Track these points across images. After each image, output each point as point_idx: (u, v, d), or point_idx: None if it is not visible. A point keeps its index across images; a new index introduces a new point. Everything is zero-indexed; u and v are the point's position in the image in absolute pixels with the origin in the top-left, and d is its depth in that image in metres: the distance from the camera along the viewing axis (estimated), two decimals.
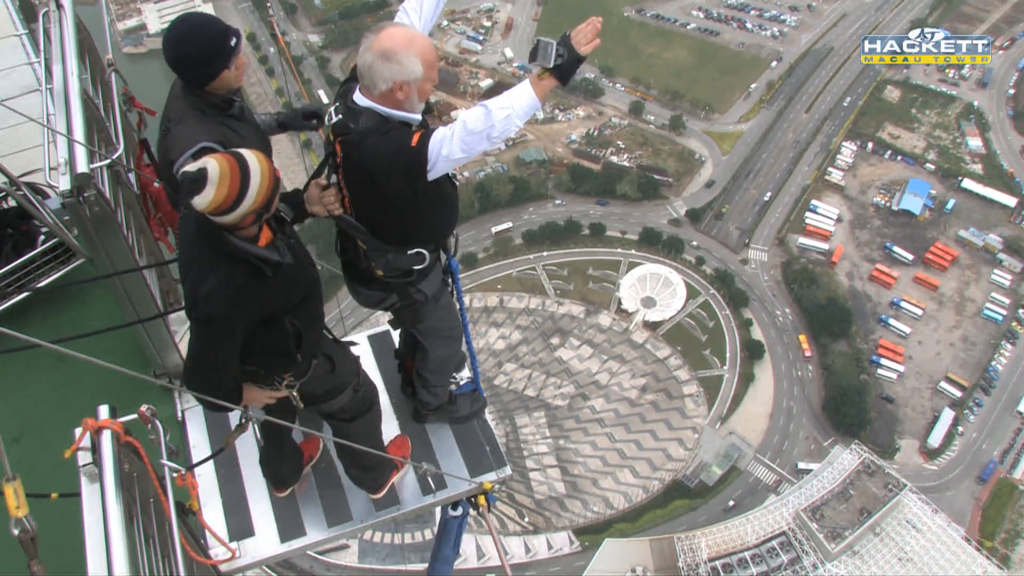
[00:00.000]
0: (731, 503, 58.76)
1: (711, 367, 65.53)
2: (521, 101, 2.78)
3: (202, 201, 2.49)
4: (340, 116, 3.12)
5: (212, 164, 2.50)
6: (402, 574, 52.43)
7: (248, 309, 2.80)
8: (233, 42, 3.21)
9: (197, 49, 3.15)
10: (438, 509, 4.39)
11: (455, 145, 2.87)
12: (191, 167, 2.52)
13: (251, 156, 2.61)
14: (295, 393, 3.33)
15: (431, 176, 3.00)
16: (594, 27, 2.69)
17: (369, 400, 3.74)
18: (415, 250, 3.38)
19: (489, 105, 2.77)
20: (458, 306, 3.92)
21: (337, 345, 3.54)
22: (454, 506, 4.32)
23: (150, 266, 4.33)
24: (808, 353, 65.03)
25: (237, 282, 2.71)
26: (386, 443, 4.32)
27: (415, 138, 2.92)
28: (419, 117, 3.12)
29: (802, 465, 59.46)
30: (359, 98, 3.06)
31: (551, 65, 2.70)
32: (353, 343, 3.76)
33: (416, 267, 3.42)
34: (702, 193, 76.16)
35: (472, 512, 4.40)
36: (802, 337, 65.57)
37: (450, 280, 3.74)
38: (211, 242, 2.68)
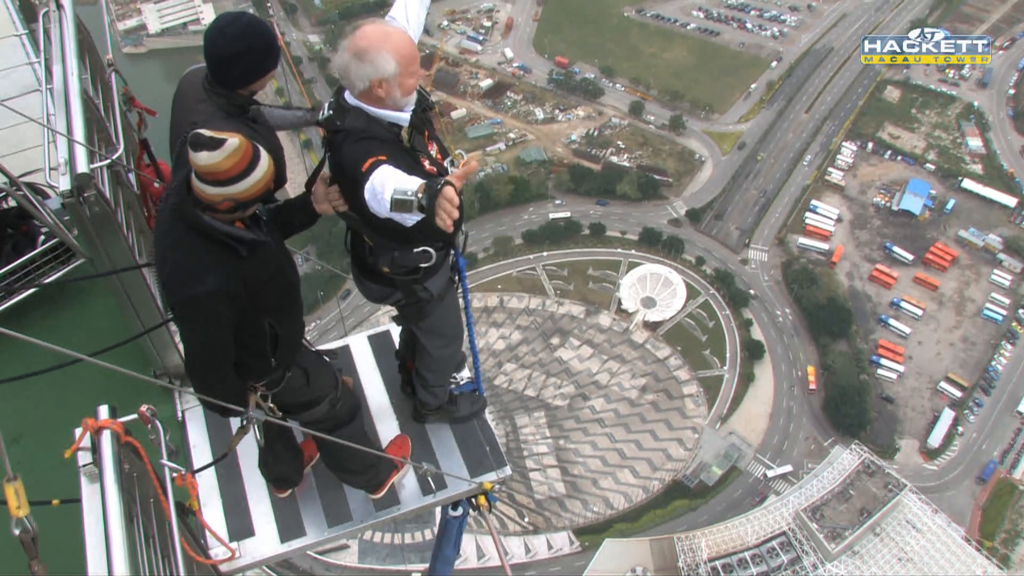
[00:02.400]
0: (771, 474, 59.26)
1: (711, 367, 65.53)
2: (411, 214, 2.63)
3: (208, 159, 2.54)
4: (331, 112, 3.12)
5: (234, 139, 2.58)
6: (402, 574, 52.44)
7: (229, 287, 2.76)
8: (279, 42, 3.26)
9: (254, 45, 3.13)
10: (438, 509, 4.38)
11: (373, 202, 2.76)
12: (208, 132, 2.56)
13: (264, 154, 2.69)
14: (270, 404, 3.30)
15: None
16: (451, 210, 2.45)
17: (350, 413, 3.72)
18: (421, 248, 3.34)
19: (386, 193, 2.63)
20: (463, 304, 3.90)
21: (315, 357, 3.52)
22: (454, 506, 4.32)
23: (147, 264, 4.32)
24: (813, 386, 63.80)
25: (214, 258, 2.72)
26: (386, 443, 4.32)
27: (367, 163, 2.82)
28: (406, 116, 3.07)
29: (772, 473, 59.29)
30: (349, 96, 3.05)
31: (412, 212, 2.56)
32: (333, 355, 3.75)
33: (423, 265, 3.39)
34: (734, 156, 76.81)
35: (472, 512, 4.39)
36: (810, 368, 64.62)
37: (456, 278, 3.70)
38: (186, 219, 2.69)
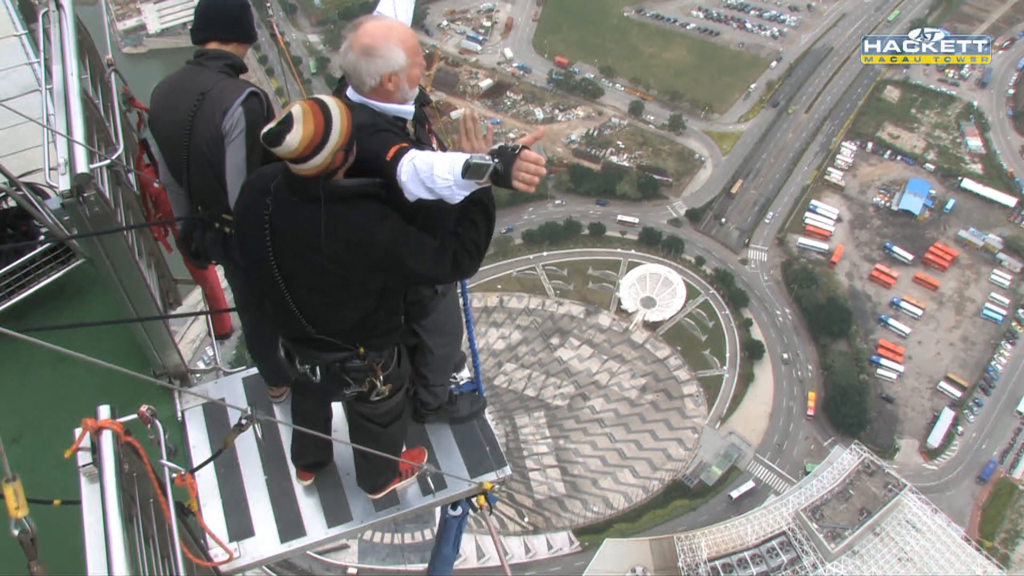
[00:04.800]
0: (735, 494, 58.76)
1: (711, 367, 65.55)
2: (462, 181, 2.64)
3: (293, 139, 2.54)
4: None
5: (294, 107, 2.59)
6: (402, 574, 52.45)
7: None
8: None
9: (248, 7, 3.57)
10: (438, 509, 4.38)
11: (411, 184, 2.76)
12: (274, 122, 2.57)
13: (326, 96, 2.70)
14: (384, 385, 3.30)
15: (407, 196, 2.88)
16: (538, 169, 2.53)
17: (405, 402, 3.73)
18: None
19: (435, 169, 2.66)
20: (462, 301, 3.91)
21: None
22: (453, 505, 4.31)
23: (141, 225, 4.32)
24: (812, 412, 63.01)
25: (373, 208, 2.76)
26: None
27: (392, 151, 2.83)
28: (411, 109, 3.07)
29: (736, 493, 58.79)
30: (352, 93, 3.02)
31: (484, 180, 2.58)
32: None
33: None
34: (752, 131, 77.55)
35: (472, 512, 4.39)
36: (811, 394, 63.68)
37: None
38: (326, 194, 2.70)
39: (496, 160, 2.52)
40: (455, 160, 2.61)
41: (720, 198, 75.29)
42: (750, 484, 59.02)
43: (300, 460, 4.11)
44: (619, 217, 73.43)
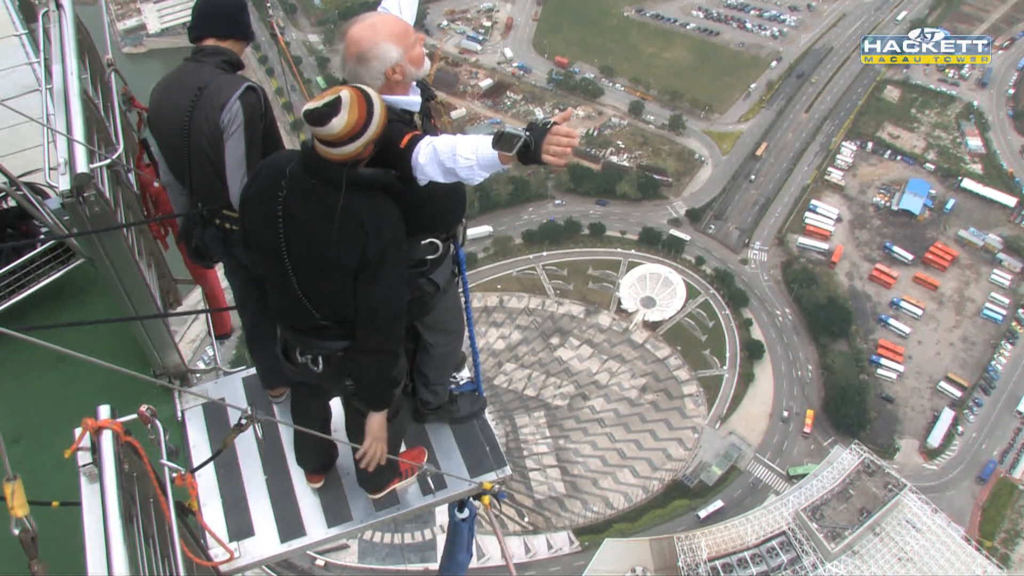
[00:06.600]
0: (703, 515, 57.70)
1: (711, 367, 65.55)
2: (486, 158, 2.68)
3: (338, 123, 2.60)
4: None
5: (344, 92, 2.64)
6: (402, 574, 52.44)
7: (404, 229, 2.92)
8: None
9: (245, 7, 3.61)
10: (438, 509, 4.37)
11: (429, 166, 2.81)
12: (319, 101, 2.61)
13: (366, 88, 2.75)
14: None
15: (419, 181, 2.94)
16: (570, 141, 2.53)
17: (403, 399, 3.73)
18: (428, 240, 3.36)
19: (457, 149, 2.70)
20: (463, 299, 3.91)
21: None
22: (460, 508, 4.29)
23: (129, 224, 4.32)
24: (808, 429, 62.16)
25: (383, 203, 2.81)
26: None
27: (405, 140, 2.87)
28: (418, 100, 3.11)
29: (703, 513, 57.89)
30: None
31: (511, 154, 2.58)
32: None
33: (429, 257, 3.41)
34: (785, 87, 77.33)
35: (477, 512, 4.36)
36: (809, 412, 62.87)
37: (457, 270, 3.71)
38: (350, 181, 2.73)
39: (527, 133, 2.53)
40: (480, 139, 2.65)
41: (720, 198, 75.18)
42: (719, 504, 58.44)
43: (308, 464, 4.11)
44: (671, 232, 72.42)
